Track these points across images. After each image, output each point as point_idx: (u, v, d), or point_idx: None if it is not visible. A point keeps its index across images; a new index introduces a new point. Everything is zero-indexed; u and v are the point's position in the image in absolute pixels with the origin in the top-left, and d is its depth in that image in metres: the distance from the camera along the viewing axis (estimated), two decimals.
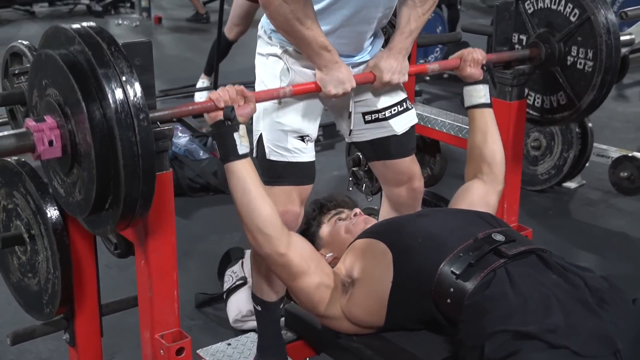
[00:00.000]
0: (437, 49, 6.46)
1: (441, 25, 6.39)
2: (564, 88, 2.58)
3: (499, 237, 1.97)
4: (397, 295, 1.99)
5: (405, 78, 2.26)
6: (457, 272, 1.89)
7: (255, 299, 2.29)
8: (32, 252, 2.09)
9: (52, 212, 1.98)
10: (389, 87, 2.27)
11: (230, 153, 1.91)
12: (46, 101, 1.68)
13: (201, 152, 4.50)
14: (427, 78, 6.51)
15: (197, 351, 2.37)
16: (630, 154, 4.10)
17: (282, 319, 2.36)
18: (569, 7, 2.53)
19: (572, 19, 2.52)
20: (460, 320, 1.86)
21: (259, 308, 2.28)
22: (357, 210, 2.36)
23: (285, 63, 2.20)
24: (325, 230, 2.35)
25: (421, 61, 6.17)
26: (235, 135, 1.90)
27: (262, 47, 2.26)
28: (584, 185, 4.39)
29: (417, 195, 2.45)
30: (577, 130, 4.14)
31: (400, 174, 2.41)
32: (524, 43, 2.66)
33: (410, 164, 2.41)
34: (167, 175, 1.84)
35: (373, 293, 2.02)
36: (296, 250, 1.99)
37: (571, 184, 4.39)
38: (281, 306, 2.31)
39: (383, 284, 2.00)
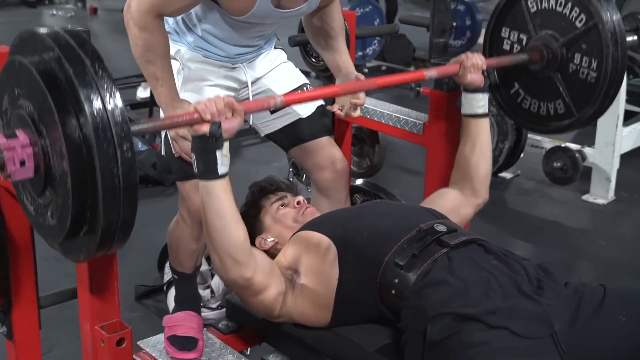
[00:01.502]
0: (375, 40, 6.50)
1: (379, 17, 6.42)
2: (563, 97, 2.41)
3: (441, 228, 2.00)
4: (344, 291, 1.99)
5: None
6: (402, 264, 1.92)
7: (173, 270, 2.48)
8: None
9: None
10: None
11: (209, 171, 1.80)
12: (18, 113, 1.51)
13: (140, 143, 4.46)
14: (366, 70, 6.55)
15: (138, 342, 2.36)
16: (563, 145, 4.20)
17: (224, 309, 2.37)
18: (575, 12, 2.33)
19: (578, 24, 2.33)
20: (402, 307, 1.89)
21: (176, 277, 2.47)
22: (301, 198, 2.35)
23: (180, 61, 2.29)
24: (266, 215, 2.30)
25: (360, 53, 6.20)
26: (218, 153, 1.79)
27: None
28: (519, 175, 4.48)
29: (342, 177, 2.48)
30: (512, 121, 4.21)
31: (320, 157, 2.44)
32: (523, 43, 2.46)
33: (327, 146, 2.44)
34: None
35: (318, 290, 2.01)
36: (260, 272, 1.96)
37: (506, 174, 4.47)
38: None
39: (329, 281, 2.00)
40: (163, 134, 2.27)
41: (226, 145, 1.81)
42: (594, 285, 1.92)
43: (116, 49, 7.69)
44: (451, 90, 2.59)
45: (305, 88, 2.47)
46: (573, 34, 2.34)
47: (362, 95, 2.35)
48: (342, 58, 2.44)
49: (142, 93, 5.73)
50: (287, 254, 2.09)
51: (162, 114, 2.15)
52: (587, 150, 4.13)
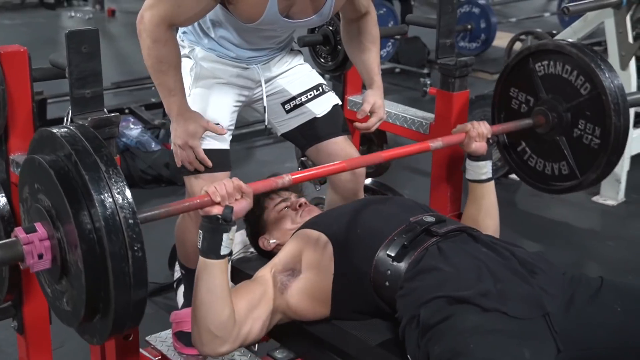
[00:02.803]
0: (390, 43, 6.52)
1: (393, 20, 6.44)
2: (568, 159, 2.48)
3: (430, 219, 2.05)
4: (340, 285, 2.04)
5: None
6: (392, 255, 1.96)
7: (181, 265, 2.53)
8: None
9: (1, 199, 1.98)
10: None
11: (211, 250, 1.85)
12: (37, 207, 1.60)
13: (153, 143, 4.50)
14: None
15: (146, 338, 2.40)
16: None
17: None
18: (581, 80, 2.40)
19: (583, 92, 2.40)
20: (397, 297, 1.93)
21: (184, 272, 2.53)
22: (303, 200, 2.38)
23: (193, 59, 2.33)
24: (270, 215, 2.35)
25: None
26: (225, 236, 1.84)
27: None
28: None
29: (358, 178, 2.49)
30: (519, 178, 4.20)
31: (336, 157, 2.45)
32: (530, 104, 2.54)
33: (344, 146, 2.45)
34: None
35: (317, 284, 2.05)
36: (236, 341, 1.97)
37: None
38: None
39: (326, 275, 2.04)
40: (173, 128, 2.29)
41: (233, 229, 1.86)
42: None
43: (134, 50, 7.74)
44: (458, 90, 2.63)
45: (321, 88, 2.49)
46: (578, 100, 2.41)
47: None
48: (370, 73, 2.46)
49: None
50: (287, 254, 2.13)
51: (171, 123, 2.19)
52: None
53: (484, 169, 2.36)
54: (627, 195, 4.15)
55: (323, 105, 2.46)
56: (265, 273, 2.10)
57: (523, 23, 8.45)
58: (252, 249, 2.60)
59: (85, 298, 1.51)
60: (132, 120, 4.73)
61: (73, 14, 9.49)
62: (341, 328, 2.07)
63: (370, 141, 3.27)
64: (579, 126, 2.42)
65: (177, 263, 3.22)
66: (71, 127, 1.59)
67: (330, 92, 2.50)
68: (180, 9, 2.03)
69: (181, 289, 3.08)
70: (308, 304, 2.06)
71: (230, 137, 2.35)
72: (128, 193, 1.51)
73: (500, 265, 1.91)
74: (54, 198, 1.53)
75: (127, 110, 5.11)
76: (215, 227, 1.83)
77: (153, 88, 5.91)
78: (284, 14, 2.10)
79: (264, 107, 2.42)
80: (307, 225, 2.19)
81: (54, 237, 1.55)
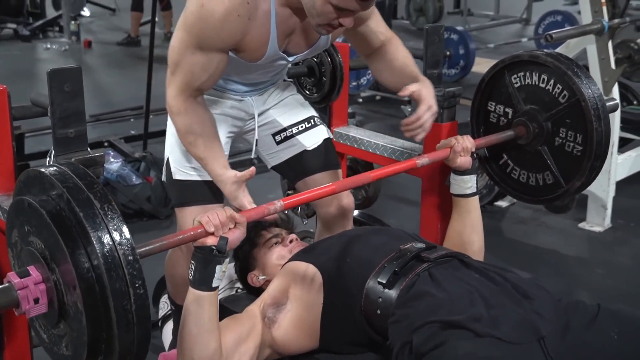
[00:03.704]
0: (369, 71, 6.51)
1: None
2: (551, 168, 2.46)
3: (420, 245, 2.05)
4: (329, 316, 2.01)
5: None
6: (384, 282, 1.94)
7: (171, 301, 2.49)
8: None
9: None
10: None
11: (203, 282, 1.82)
12: (29, 250, 1.55)
13: (134, 177, 4.44)
14: (360, 100, 6.57)
15: None
16: None
17: None
18: (558, 88, 2.39)
19: (561, 100, 2.39)
20: (389, 323, 1.89)
21: (173, 307, 2.49)
22: (294, 236, 2.36)
23: None
24: (260, 252, 2.32)
25: (354, 83, 6.22)
26: (217, 267, 1.81)
27: None
28: (515, 204, 4.47)
29: (346, 212, 2.48)
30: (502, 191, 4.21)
31: None
32: (509, 116, 2.52)
33: (331, 179, 2.42)
34: None
35: (305, 317, 2.03)
36: None
37: (502, 203, 4.46)
38: None
39: (314, 307, 2.02)
40: (165, 159, 2.29)
41: (226, 261, 1.82)
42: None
43: (110, 82, 7.73)
44: (446, 121, 2.61)
45: (312, 120, 2.47)
46: (557, 109, 2.41)
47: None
48: (412, 79, 2.32)
49: None
50: (275, 288, 2.10)
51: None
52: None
53: (469, 183, 2.35)
54: (613, 221, 4.14)
55: (314, 138, 2.44)
56: (254, 308, 2.07)
57: (501, 48, 8.51)
58: (238, 285, 2.55)
59: (87, 340, 1.46)
60: (112, 153, 4.68)
61: (49, 46, 9.44)
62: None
63: (357, 172, 3.23)
64: (560, 134, 2.42)
65: (161, 300, 3.17)
66: (59, 165, 1.54)
67: (321, 125, 2.48)
68: (194, 75, 2.02)
69: (167, 326, 3.03)
70: (295, 336, 2.03)
71: None
72: (125, 229, 1.47)
73: (492, 290, 1.90)
74: (47, 239, 1.48)
75: (106, 143, 5.06)
76: (208, 259, 1.79)
77: (132, 120, 5.90)
78: (282, 49, 2.10)
79: (256, 139, 2.40)
80: (295, 257, 2.17)
81: (50, 280, 1.50)
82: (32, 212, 1.51)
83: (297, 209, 3.22)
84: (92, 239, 1.42)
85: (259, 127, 2.39)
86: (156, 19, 5.56)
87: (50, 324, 1.58)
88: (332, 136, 2.50)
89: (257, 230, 2.34)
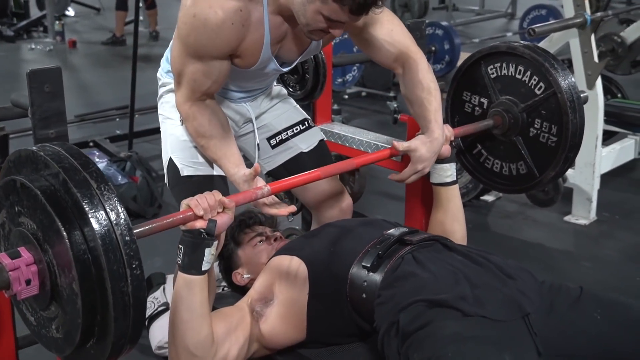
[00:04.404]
0: (355, 67, 6.53)
1: None
2: (525, 159, 2.50)
3: (403, 229, 2.09)
4: (315, 305, 2.02)
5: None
6: (368, 265, 1.97)
7: None
8: None
9: None
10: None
11: (193, 266, 1.83)
12: (20, 231, 1.53)
13: (119, 177, 4.43)
14: (346, 97, 6.57)
15: None
16: None
17: None
18: (534, 80, 2.41)
19: (537, 91, 2.42)
20: (375, 305, 1.91)
21: None
22: (278, 234, 2.36)
23: None
24: (245, 250, 2.33)
25: (339, 80, 6.22)
26: (207, 251, 1.82)
27: (161, 88, 2.36)
28: (501, 198, 4.48)
29: (347, 215, 2.49)
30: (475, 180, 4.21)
31: (325, 194, 2.43)
32: (484, 107, 2.54)
33: (331, 183, 2.44)
34: None
35: (291, 308, 2.04)
36: (222, 354, 1.96)
37: (488, 197, 4.47)
38: None
39: (300, 298, 2.03)
40: (165, 164, 2.29)
41: (215, 244, 1.83)
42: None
43: (96, 82, 7.69)
44: None
45: (306, 123, 2.49)
46: (533, 100, 2.43)
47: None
48: (424, 120, 2.26)
49: None
50: (262, 283, 2.12)
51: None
52: (567, 171, 4.13)
53: (449, 171, 2.37)
54: (598, 213, 4.15)
55: (309, 140, 2.46)
56: (242, 303, 2.09)
57: (486, 43, 8.51)
58: (223, 284, 2.55)
59: (81, 322, 1.45)
60: (97, 153, 4.66)
61: (33, 47, 9.38)
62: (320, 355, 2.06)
63: None
64: (535, 125, 2.45)
65: (148, 299, 3.16)
66: (53, 146, 1.52)
67: (315, 128, 2.50)
68: (197, 82, 2.05)
69: (155, 325, 3.02)
70: (282, 328, 2.05)
71: None
72: (122, 209, 1.46)
73: (476, 270, 1.93)
74: (41, 220, 1.47)
75: (91, 143, 5.04)
76: (197, 242, 1.80)
77: (118, 119, 5.87)
78: (274, 55, 2.12)
79: (257, 144, 2.40)
80: (279, 252, 2.19)
81: (42, 261, 1.49)
82: (25, 193, 1.49)
83: None
84: (90, 219, 1.41)
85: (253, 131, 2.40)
86: (140, 18, 5.53)
87: (40, 307, 1.56)
88: (325, 138, 2.51)
89: (240, 228, 2.35)
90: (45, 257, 1.48)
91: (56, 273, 1.47)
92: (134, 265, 1.45)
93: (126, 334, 1.48)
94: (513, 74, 2.46)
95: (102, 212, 1.43)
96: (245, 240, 2.34)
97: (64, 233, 1.42)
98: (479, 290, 1.85)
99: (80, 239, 1.43)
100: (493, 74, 2.51)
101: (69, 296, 1.46)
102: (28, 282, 1.48)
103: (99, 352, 1.51)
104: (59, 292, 1.49)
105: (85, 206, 1.42)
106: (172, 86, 2.27)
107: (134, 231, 1.61)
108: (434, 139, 2.22)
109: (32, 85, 1.78)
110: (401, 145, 2.23)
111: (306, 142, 2.46)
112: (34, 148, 1.52)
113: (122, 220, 1.45)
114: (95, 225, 1.41)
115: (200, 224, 1.80)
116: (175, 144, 2.26)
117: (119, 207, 1.46)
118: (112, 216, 1.44)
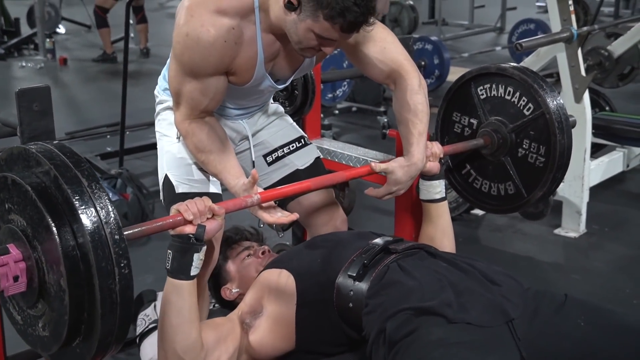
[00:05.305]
0: (345, 82, 6.54)
1: (348, 60, 6.46)
2: (513, 179, 2.52)
3: (387, 239, 2.11)
4: (303, 316, 2.04)
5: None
6: (354, 275, 1.98)
7: None
8: None
9: None
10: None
11: (181, 271, 1.84)
12: (9, 228, 1.54)
13: (110, 194, 4.42)
14: (337, 112, 6.58)
15: None
16: None
17: None
18: (523, 101, 2.44)
19: (526, 112, 2.44)
20: (363, 314, 1.92)
21: None
22: (266, 248, 2.37)
23: None
24: (233, 265, 2.35)
25: (329, 95, 6.24)
26: (195, 256, 1.83)
27: (158, 105, 2.38)
28: None
29: (341, 230, 2.48)
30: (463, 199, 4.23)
31: (319, 212, 2.44)
32: (473, 127, 2.57)
33: (325, 199, 2.45)
34: None
35: (280, 318, 2.06)
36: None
37: (479, 211, 4.48)
38: None
39: (289, 308, 2.05)
40: (161, 180, 2.30)
41: (204, 249, 1.84)
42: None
43: (86, 99, 7.69)
44: None
45: (302, 140, 2.50)
46: (521, 121, 2.45)
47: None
48: (406, 144, 2.27)
49: None
50: (251, 297, 2.13)
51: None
52: None
53: (438, 188, 2.39)
54: (587, 226, 4.17)
55: (305, 157, 2.47)
56: (232, 315, 2.12)
57: (476, 57, 8.57)
58: (212, 300, 2.55)
59: (68, 319, 1.45)
60: None
61: (24, 64, 9.37)
62: None
63: (332, 185, 3.23)
64: (524, 145, 2.47)
65: (139, 317, 3.15)
66: (45, 143, 1.53)
67: (311, 145, 2.51)
68: (195, 101, 2.08)
69: (146, 342, 3.01)
70: (270, 338, 2.06)
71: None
72: (112, 207, 1.47)
73: (460, 277, 1.95)
74: (31, 216, 1.48)
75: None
76: (186, 247, 1.81)
77: (109, 136, 5.87)
78: (268, 72, 2.14)
79: (252, 160, 2.42)
80: (269, 265, 2.21)
81: (30, 258, 1.49)
82: (16, 189, 1.50)
83: (273, 224, 3.22)
84: (80, 216, 1.42)
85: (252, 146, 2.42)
86: (131, 35, 5.54)
87: (27, 304, 1.56)
88: (321, 155, 2.52)
89: (228, 244, 2.36)
90: (34, 254, 1.49)
91: (44, 270, 1.48)
92: (122, 264, 1.45)
93: (113, 332, 1.48)
94: (502, 95, 2.48)
95: (92, 209, 1.44)
96: (232, 255, 2.36)
97: (54, 229, 1.43)
98: (463, 296, 1.87)
99: (70, 235, 1.44)
100: (483, 94, 2.53)
101: (57, 293, 1.47)
102: (16, 279, 1.48)
103: (85, 350, 1.51)
104: (47, 289, 1.49)
105: (75, 202, 1.43)
106: (169, 104, 2.28)
107: (124, 233, 1.62)
108: (412, 164, 2.22)
109: (20, 104, 1.79)
110: (378, 166, 2.24)
111: (302, 159, 2.47)
112: (26, 145, 1.52)
113: (112, 219, 1.46)
114: (85, 222, 1.42)
115: (189, 229, 1.81)
116: (171, 161, 2.27)
117: (110, 206, 1.47)
118: (102, 214, 1.45)
